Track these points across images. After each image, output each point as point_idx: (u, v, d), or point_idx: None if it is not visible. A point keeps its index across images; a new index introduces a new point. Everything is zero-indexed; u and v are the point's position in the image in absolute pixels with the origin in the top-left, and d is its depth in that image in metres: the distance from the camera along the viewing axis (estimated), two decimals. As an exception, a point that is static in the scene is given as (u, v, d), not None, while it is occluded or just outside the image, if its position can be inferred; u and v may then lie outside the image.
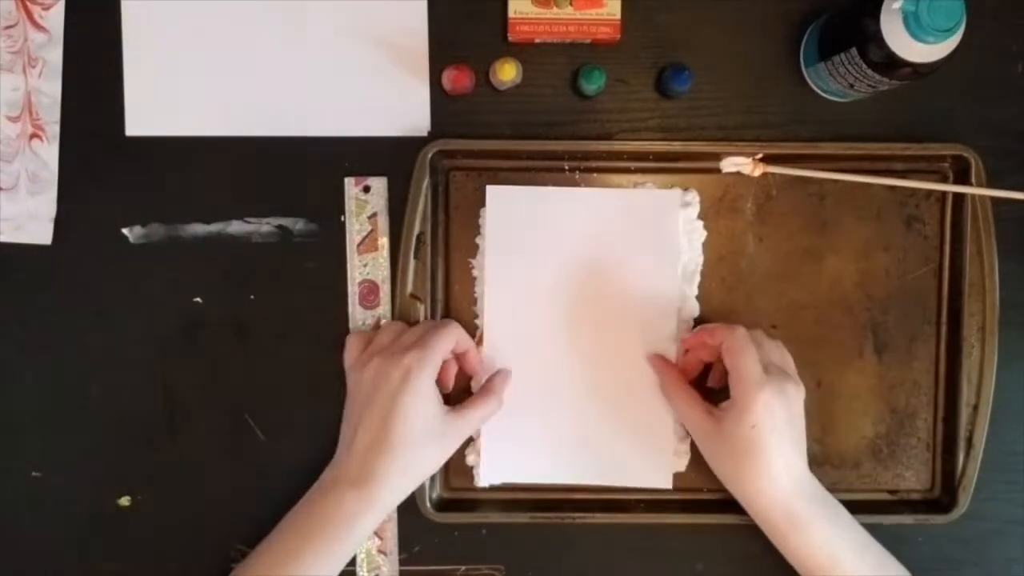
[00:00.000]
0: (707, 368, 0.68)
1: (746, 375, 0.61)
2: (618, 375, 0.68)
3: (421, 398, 0.62)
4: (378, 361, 0.63)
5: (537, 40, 0.67)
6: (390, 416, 0.61)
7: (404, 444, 0.61)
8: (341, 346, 0.67)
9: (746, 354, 0.62)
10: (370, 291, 0.68)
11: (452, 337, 0.64)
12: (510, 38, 0.66)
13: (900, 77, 0.61)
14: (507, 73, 0.64)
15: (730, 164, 0.65)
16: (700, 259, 0.68)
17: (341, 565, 0.63)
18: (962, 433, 0.68)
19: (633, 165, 0.68)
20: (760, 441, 0.61)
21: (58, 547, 0.69)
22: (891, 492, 0.69)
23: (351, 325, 0.68)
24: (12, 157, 0.67)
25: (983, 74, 0.68)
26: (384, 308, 0.68)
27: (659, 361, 0.67)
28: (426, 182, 0.66)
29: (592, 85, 0.66)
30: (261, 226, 0.68)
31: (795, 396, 0.63)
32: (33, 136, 0.67)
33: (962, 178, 0.67)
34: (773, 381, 0.61)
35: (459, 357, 0.67)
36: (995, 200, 0.67)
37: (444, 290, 0.68)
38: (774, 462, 0.61)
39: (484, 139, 0.67)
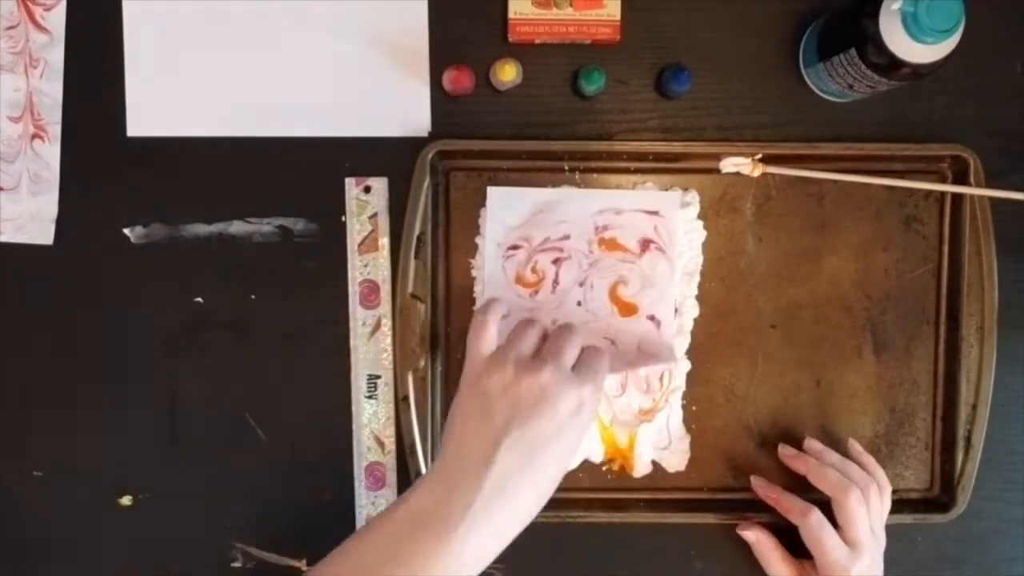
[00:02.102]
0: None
1: (828, 562, 0.63)
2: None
3: (584, 435, 0.58)
4: (534, 375, 0.56)
5: (537, 40, 0.67)
6: (554, 446, 0.56)
7: (557, 479, 0.57)
8: (342, 346, 0.67)
9: (824, 538, 0.63)
10: (370, 291, 0.68)
11: (608, 361, 0.61)
12: (510, 38, 0.67)
13: (899, 78, 0.61)
14: (507, 73, 0.65)
15: (730, 164, 0.66)
16: (700, 259, 0.68)
17: None
18: (961, 432, 0.68)
19: (633, 165, 0.68)
20: None
21: (58, 547, 0.69)
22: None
23: (351, 325, 0.68)
24: (14, 157, 0.67)
25: (983, 74, 0.68)
26: (384, 308, 0.68)
27: (758, 535, 0.67)
28: (426, 182, 0.66)
29: (592, 85, 0.66)
30: (262, 226, 0.68)
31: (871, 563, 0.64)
32: (35, 136, 0.68)
33: (961, 178, 0.67)
34: (856, 560, 0.63)
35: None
36: (994, 200, 0.67)
37: (444, 290, 0.68)
38: None
39: (484, 139, 0.67)
